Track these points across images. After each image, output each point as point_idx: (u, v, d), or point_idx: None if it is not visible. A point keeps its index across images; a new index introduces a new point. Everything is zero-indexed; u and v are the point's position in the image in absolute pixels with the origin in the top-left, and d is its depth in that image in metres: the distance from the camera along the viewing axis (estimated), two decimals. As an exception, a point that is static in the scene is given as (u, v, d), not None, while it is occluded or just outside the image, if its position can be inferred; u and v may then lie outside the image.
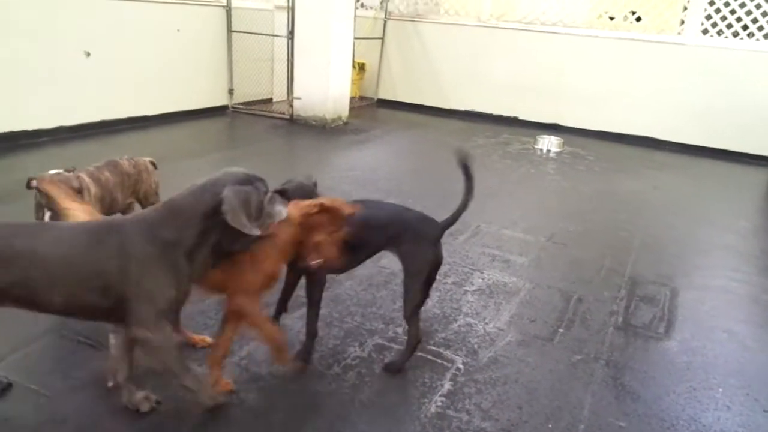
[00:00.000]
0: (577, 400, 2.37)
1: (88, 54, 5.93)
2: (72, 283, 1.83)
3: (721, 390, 2.51)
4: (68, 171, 2.71)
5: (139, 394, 2.11)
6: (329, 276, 3.17)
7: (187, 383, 2.01)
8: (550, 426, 2.20)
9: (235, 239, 1.94)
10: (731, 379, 2.59)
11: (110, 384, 2.15)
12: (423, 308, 2.96)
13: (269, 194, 1.98)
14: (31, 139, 5.51)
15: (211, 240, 1.91)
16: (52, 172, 2.62)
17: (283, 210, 1.99)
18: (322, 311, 2.85)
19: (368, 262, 3.42)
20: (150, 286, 1.86)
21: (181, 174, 3.62)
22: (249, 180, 1.95)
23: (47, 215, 2.54)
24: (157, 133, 6.47)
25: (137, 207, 3.26)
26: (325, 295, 3.04)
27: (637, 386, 2.48)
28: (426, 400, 2.28)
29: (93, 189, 2.80)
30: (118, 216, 1.99)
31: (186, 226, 1.86)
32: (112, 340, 2.10)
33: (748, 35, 7.28)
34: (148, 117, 6.72)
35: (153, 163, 3.24)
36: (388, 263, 3.49)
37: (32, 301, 1.87)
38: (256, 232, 1.90)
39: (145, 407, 2.10)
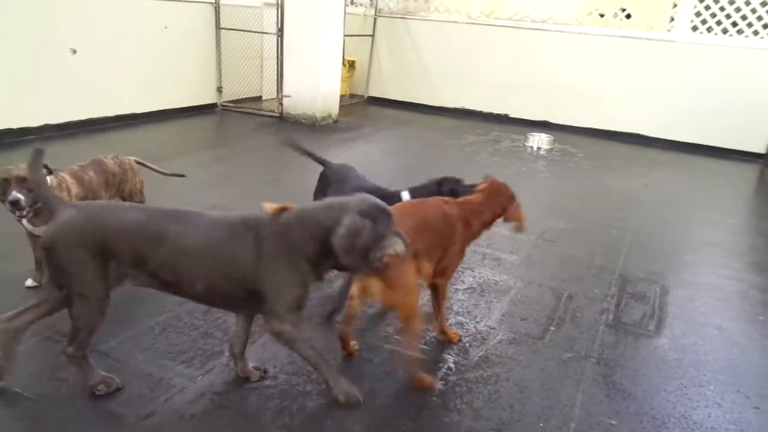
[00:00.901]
0: (568, 398, 2.36)
1: (75, 51, 5.87)
2: (212, 271, 1.97)
3: (711, 387, 2.51)
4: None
5: (251, 366, 2.29)
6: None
7: (325, 375, 2.13)
8: (541, 425, 2.19)
9: (369, 263, 1.99)
10: (722, 376, 2.59)
11: (226, 355, 2.34)
12: (414, 307, 2.96)
13: (389, 231, 1.98)
14: (17, 137, 5.44)
15: (332, 253, 1.94)
16: (21, 166, 2.58)
17: (399, 247, 1.99)
18: (313, 312, 2.83)
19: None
20: (279, 283, 1.98)
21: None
22: (373, 212, 1.95)
23: (16, 194, 2.51)
24: (145, 132, 6.41)
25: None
26: (315, 294, 3.02)
27: (628, 384, 2.48)
28: (417, 400, 2.26)
29: (74, 189, 2.77)
30: (256, 212, 2.06)
31: (309, 236, 1.96)
32: (234, 318, 2.24)
33: (738, 32, 7.31)
34: (135, 115, 6.66)
35: (139, 162, 3.21)
36: (378, 262, 3.47)
37: (178, 286, 2.02)
38: (359, 266, 1.98)
39: (255, 377, 2.28)
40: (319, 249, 1.96)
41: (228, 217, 2.06)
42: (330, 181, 3.26)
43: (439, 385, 2.36)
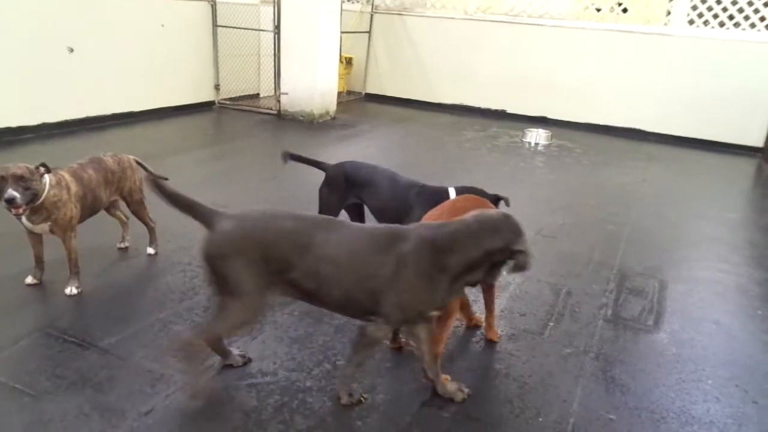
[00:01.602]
0: (567, 393, 2.37)
1: (72, 50, 5.85)
2: (351, 282, 1.99)
3: (710, 381, 2.52)
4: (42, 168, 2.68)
5: (452, 385, 2.26)
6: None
7: (350, 370, 2.18)
8: (540, 420, 2.20)
9: (492, 276, 2.11)
10: (720, 371, 2.60)
11: (423, 380, 2.33)
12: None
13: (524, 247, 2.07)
14: (15, 135, 5.44)
15: (476, 273, 2.02)
16: (19, 164, 2.59)
17: (530, 266, 2.12)
18: (309, 308, 2.84)
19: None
20: (411, 300, 2.00)
21: (167, 170, 3.57)
22: (519, 230, 2.08)
23: (12, 192, 2.51)
24: (142, 130, 6.40)
25: (122, 204, 3.23)
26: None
27: (627, 379, 2.49)
28: (416, 396, 2.27)
29: (74, 187, 2.77)
30: (403, 226, 2.09)
31: (465, 258, 1.97)
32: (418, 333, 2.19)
33: (735, 25, 7.32)
34: (133, 113, 6.65)
35: (138, 162, 3.21)
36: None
37: (316, 295, 2.05)
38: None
39: (458, 397, 2.24)
40: (468, 269, 2.00)
41: (374, 230, 2.09)
42: (354, 181, 3.11)
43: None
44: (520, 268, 2.06)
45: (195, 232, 3.59)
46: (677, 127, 7.70)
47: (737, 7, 7.25)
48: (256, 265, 1.96)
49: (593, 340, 2.78)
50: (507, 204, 2.93)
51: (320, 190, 3.20)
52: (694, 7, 7.44)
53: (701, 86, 7.46)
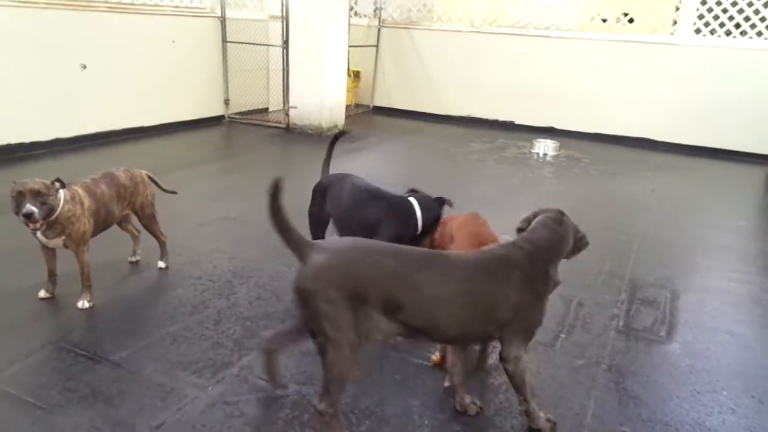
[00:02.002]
0: (580, 406, 2.34)
1: (84, 66, 5.94)
2: (471, 317, 1.96)
3: (725, 393, 2.49)
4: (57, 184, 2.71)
5: (467, 399, 2.24)
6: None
7: (531, 406, 2.11)
8: (553, 432, 2.18)
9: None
10: (735, 381, 2.57)
11: (446, 384, 2.35)
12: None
13: None
14: (28, 151, 5.51)
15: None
16: (36, 179, 2.62)
17: None
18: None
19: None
20: (533, 319, 2.04)
21: (178, 185, 3.60)
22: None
23: (30, 207, 2.54)
24: (153, 144, 6.46)
25: (133, 218, 3.25)
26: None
27: (640, 391, 2.46)
28: (426, 409, 2.25)
29: (87, 202, 2.79)
30: (500, 249, 2.08)
31: (559, 262, 2.08)
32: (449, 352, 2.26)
33: (741, 33, 7.31)
34: (144, 128, 6.72)
35: (150, 177, 3.24)
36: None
37: (428, 333, 1.99)
38: None
39: (471, 411, 2.24)
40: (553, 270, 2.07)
41: (480, 259, 2.03)
42: (327, 188, 3.15)
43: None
44: (584, 247, 2.21)
45: (205, 245, 3.63)
46: (685, 136, 7.67)
47: (743, 15, 7.24)
48: (354, 302, 1.84)
49: (605, 351, 2.76)
50: (450, 205, 2.95)
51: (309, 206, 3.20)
52: (701, 16, 7.43)
53: (709, 95, 7.44)
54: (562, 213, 2.15)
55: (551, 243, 2.06)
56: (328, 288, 1.82)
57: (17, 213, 2.57)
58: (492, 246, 2.15)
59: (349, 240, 2.06)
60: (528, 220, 2.20)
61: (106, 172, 3.03)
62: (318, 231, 3.15)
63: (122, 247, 3.39)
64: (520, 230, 2.20)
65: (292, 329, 2.18)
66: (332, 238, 1.94)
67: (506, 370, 2.06)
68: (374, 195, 2.99)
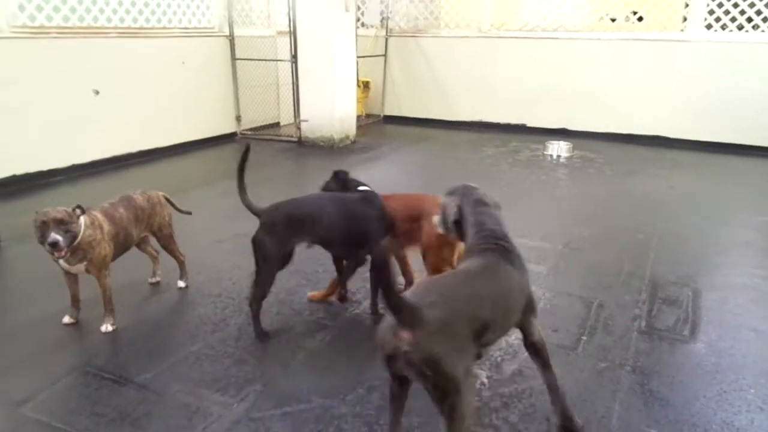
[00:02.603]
0: (605, 408, 2.33)
1: (97, 92, 6.03)
2: (517, 314, 2.08)
3: (752, 391, 2.45)
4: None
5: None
6: (349, 297, 3.20)
7: (563, 395, 2.18)
8: (579, 437, 2.16)
9: None
10: (762, 379, 2.54)
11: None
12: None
13: None
14: (47, 179, 5.60)
15: None
16: (59, 208, 2.67)
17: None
18: (340, 334, 2.86)
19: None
20: (532, 294, 2.19)
21: (194, 204, 3.65)
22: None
23: (54, 236, 2.59)
24: (168, 165, 6.54)
25: (152, 240, 3.29)
26: (344, 316, 3.05)
27: (666, 391, 2.44)
28: (452, 418, 2.25)
29: (106, 227, 2.84)
30: (486, 254, 2.08)
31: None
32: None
33: (753, 27, 7.23)
34: (158, 149, 6.80)
35: (166, 198, 3.28)
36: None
37: (496, 340, 2.11)
38: None
39: None
40: None
41: (500, 264, 2.04)
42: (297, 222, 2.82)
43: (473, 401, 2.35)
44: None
45: (223, 263, 3.66)
46: (700, 133, 7.59)
47: (755, 9, 7.17)
48: (469, 345, 1.80)
49: (628, 352, 2.74)
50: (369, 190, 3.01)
51: (259, 240, 2.73)
52: (711, 12, 7.37)
53: (723, 90, 7.37)
54: (472, 187, 2.26)
55: (499, 220, 2.18)
56: (452, 346, 1.73)
57: (42, 242, 2.61)
58: (472, 259, 2.07)
59: (428, 285, 1.97)
60: (456, 212, 2.21)
61: (123, 196, 3.07)
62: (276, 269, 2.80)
63: (142, 268, 3.44)
64: (456, 223, 2.21)
65: (400, 405, 2.00)
66: (412, 290, 1.90)
67: (538, 348, 2.15)
68: (344, 199, 2.89)
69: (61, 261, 2.74)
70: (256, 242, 2.70)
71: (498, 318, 1.93)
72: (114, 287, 2.95)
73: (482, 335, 1.85)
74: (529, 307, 2.11)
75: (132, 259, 3.26)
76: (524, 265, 2.11)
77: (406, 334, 1.66)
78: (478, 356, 2.10)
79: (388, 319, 1.72)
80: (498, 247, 2.06)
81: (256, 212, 2.78)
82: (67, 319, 2.95)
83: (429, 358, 1.68)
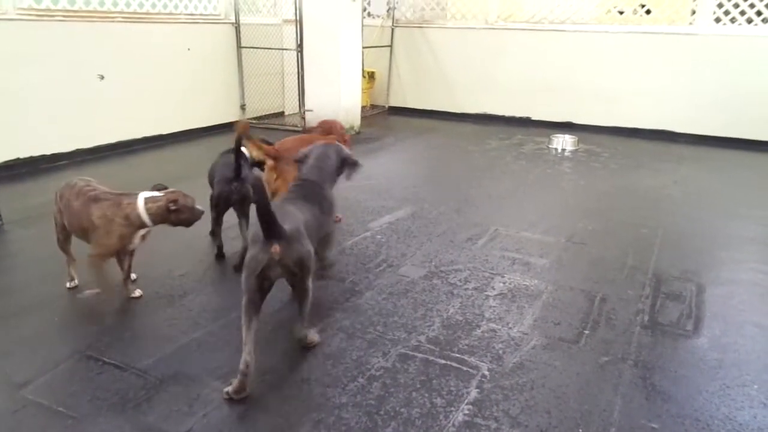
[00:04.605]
0: (607, 402, 2.32)
1: (102, 77, 6.02)
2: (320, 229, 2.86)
3: (756, 387, 2.44)
4: (158, 189, 2.86)
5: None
6: (350, 286, 3.17)
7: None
8: (580, 430, 2.16)
9: None
10: (765, 375, 2.53)
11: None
12: (445, 315, 2.95)
13: None
14: (51, 163, 5.60)
15: None
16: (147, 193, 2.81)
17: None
18: (344, 322, 2.86)
19: (389, 271, 3.42)
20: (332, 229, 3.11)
21: (198, 192, 3.63)
22: None
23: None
24: (172, 152, 6.53)
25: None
26: (346, 305, 3.04)
27: (668, 386, 2.43)
28: (453, 409, 2.25)
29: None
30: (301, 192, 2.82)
31: None
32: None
33: (763, 21, 7.16)
34: (162, 136, 6.79)
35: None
36: (407, 271, 3.48)
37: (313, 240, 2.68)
38: None
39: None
40: None
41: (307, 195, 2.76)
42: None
43: (474, 393, 2.35)
44: None
45: (226, 250, 3.65)
46: (707, 127, 7.55)
47: (765, 2, 7.10)
48: (310, 245, 2.49)
49: (631, 347, 2.73)
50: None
51: None
52: (720, 5, 7.30)
53: (730, 84, 7.32)
54: (334, 146, 3.06)
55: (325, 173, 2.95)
56: None
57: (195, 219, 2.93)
58: (295, 192, 2.81)
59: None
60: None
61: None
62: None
63: (145, 256, 3.42)
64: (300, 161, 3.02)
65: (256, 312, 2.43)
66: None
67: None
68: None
69: (138, 238, 2.87)
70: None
71: (313, 231, 2.58)
72: (118, 274, 2.96)
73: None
74: (321, 237, 2.87)
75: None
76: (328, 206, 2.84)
77: (275, 248, 2.24)
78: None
79: (256, 247, 2.28)
80: (303, 189, 2.79)
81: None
82: (138, 292, 3.09)
83: (298, 259, 2.33)
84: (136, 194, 2.80)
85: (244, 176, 3.36)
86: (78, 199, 2.83)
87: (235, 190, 3.35)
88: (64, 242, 3.06)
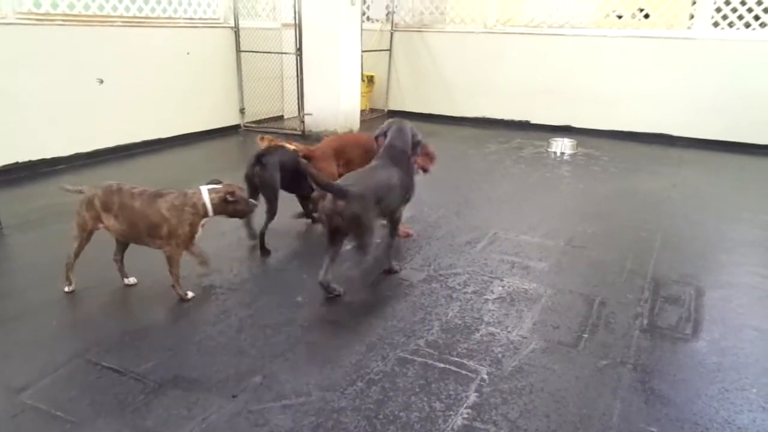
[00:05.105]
0: (606, 406, 2.32)
1: (101, 81, 6.02)
2: (396, 195, 3.37)
3: (755, 390, 2.44)
4: (214, 183, 3.07)
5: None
6: (349, 291, 3.17)
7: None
8: (579, 434, 2.16)
9: None
10: (764, 378, 2.53)
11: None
12: (444, 319, 2.95)
13: None
14: (50, 167, 5.60)
15: None
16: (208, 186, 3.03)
17: None
18: (341, 327, 2.86)
19: (388, 276, 3.42)
20: (412, 191, 3.58)
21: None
22: None
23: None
24: (171, 155, 6.53)
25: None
26: (344, 309, 3.04)
27: (667, 390, 2.43)
28: (452, 413, 2.25)
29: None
30: (383, 160, 3.43)
31: None
32: None
33: (761, 25, 7.19)
34: (162, 140, 6.79)
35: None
36: (406, 275, 3.48)
37: (386, 206, 3.28)
38: None
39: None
40: None
41: (385, 163, 3.35)
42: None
43: (473, 397, 2.35)
44: None
45: (225, 254, 3.65)
46: (706, 131, 7.56)
47: (762, 7, 7.12)
48: (373, 208, 3.09)
49: (630, 350, 2.73)
50: None
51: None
52: (718, 9, 7.33)
53: (729, 88, 7.33)
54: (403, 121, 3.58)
55: (406, 142, 3.55)
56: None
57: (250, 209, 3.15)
58: (377, 161, 3.35)
59: (349, 176, 3.20)
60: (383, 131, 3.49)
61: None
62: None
63: (141, 261, 3.43)
64: (379, 137, 3.51)
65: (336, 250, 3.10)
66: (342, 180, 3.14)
67: (395, 220, 3.45)
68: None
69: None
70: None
71: (386, 196, 3.12)
72: (117, 279, 2.96)
73: (379, 203, 3.07)
74: (405, 197, 3.37)
75: (135, 251, 3.26)
76: (411, 169, 3.41)
77: (339, 203, 2.88)
78: (379, 215, 3.16)
79: (328, 198, 2.92)
80: (395, 157, 3.30)
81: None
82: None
83: (352, 217, 2.90)
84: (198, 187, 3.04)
85: (264, 162, 3.66)
86: (136, 199, 2.93)
87: (256, 173, 3.66)
88: (80, 248, 3.05)
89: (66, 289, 3.11)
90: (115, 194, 2.95)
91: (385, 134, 3.42)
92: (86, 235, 3.02)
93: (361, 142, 4.01)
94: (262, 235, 3.71)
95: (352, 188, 2.90)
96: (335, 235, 3.03)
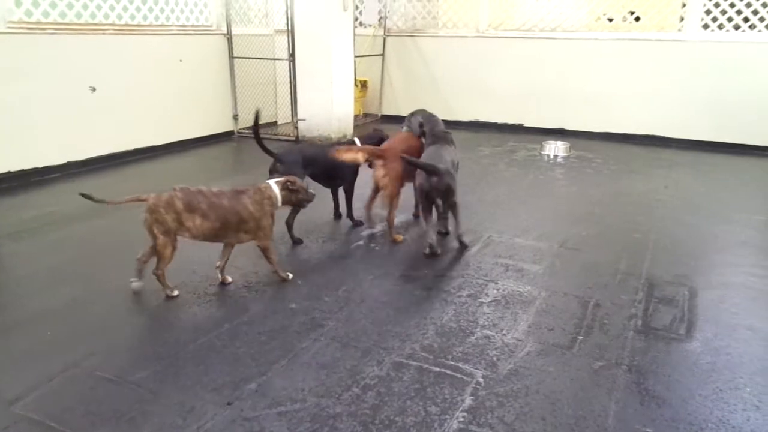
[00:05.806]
0: (601, 407, 2.33)
1: (94, 89, 6.01)
2: (455, 165, 4.16)
3: (748, 389, 2.45)
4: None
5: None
6: (344, 295, 3.18)
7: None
8: (575, 436, 2.16)
9: None
10: (758, 378, 2.54)
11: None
12: (439, 322, 2.95)
13: None
14: (43, 176, 5.58)
15: None
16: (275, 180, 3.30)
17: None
18: (338, 331, 2.86)
19: (383, 279, 3.43)
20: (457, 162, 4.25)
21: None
22: None
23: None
24: (165, 163, 6.52)
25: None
26: (339, 314, 3.04)
27: (662, 390, 2.44)
28: (447, 417, 2.25)
29: None
30: (438, 142, 4.19)
31: None
32: None
33: (750, 27, 7.24)
34: (155, 147, 6.78)
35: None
36: (401, 279, 3.48)
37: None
38: None
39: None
40: None
41: (443, 144, 4.15)
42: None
43: (469, 400, 2.35)
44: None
45: (215, 261, 3.64)
46: (698, 132, 7.61)
47: (751, 9, 7.17)
48: (455, 177, 3.96)
49: (624, 351, 2.74)
50: None
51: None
52: (708, 12, 7.38)
53: (720, 89, 7.38)
54: (425, 111, 4.51)
55: (441, 125, 4.42)
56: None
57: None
58: (433, 144, 4.11)
59: (431, 155, 3.96)
60: (420, 123, 4.37)
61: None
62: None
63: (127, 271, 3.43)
64: (420, 126, 4.33)
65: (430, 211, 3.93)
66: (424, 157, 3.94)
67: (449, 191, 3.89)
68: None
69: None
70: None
71: (456, 166, 3.95)
72: (111, 288, 2.95)
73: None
74: (456, 166, 3.99)
75: (129, 259, 3.25)
76: (454, 144, 4.15)
77: (434, 178, 3.67)
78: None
79: (422, 175, 3.74)
80: (442, 137, 4.10)
81: (275, 156, 4.12)
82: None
83: (447, 187, 3.72)
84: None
85: (282, 159, 4.02)
86: (221, 197, 3.12)
87: (278, 168, 3.94)
88: (172, 253, 3.11)
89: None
90: (198, 194, 3.05)
91: (411, 125, 4.38)
92: (172, 237, 3.06)
93: (414, 142, 4.33)
94: (289, 225, 3.94)
95: (440, 166, 3.67)
96: (430, 204, 3.83)
